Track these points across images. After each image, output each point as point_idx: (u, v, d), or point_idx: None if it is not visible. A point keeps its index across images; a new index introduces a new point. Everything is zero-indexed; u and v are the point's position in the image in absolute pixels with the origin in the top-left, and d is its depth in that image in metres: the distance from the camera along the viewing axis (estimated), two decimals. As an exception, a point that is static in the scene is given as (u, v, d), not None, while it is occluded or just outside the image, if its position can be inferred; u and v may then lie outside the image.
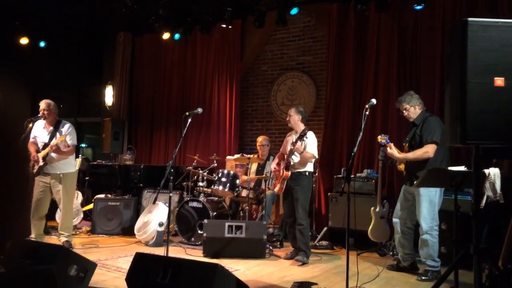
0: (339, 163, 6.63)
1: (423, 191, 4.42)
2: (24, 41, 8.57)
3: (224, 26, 7.32)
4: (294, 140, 5.11)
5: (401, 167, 4.70)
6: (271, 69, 7.97)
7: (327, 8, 6.95)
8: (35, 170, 5.18)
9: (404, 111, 4.62)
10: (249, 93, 8.18)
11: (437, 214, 4.50)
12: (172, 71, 8.68)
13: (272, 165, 5.45)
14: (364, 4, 6.32)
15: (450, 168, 3.69)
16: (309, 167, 5.20)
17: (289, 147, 5.21)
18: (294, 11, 6.84)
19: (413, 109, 4.58)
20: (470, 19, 2.52)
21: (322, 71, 7.38)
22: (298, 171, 5.13)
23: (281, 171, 5.16)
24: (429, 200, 4.43)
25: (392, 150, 4.53)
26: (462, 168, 3.41)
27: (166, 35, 8.09)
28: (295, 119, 5.25)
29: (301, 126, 5.22)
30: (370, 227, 5.36)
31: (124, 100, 9.07)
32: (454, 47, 2.66)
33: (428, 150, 4.36)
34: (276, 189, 5.29)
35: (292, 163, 5.12)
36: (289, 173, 5.08)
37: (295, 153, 5.07)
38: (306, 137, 5.00)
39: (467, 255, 2.83)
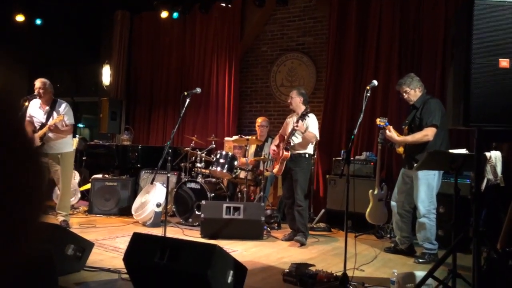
0: (338, 145, 6.60)
1: (422, 174, 4.39)
2: (20, 18, 8.44)
3: (223, 5, 7.20)
4: (295, 121, 5.07)
5: (400, 150, 4.67)
6: (271, 50, 7.88)
7: (329, -13, 6.83)
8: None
9: (404, 94, 4.56)
10: (248, 73, 8.10)
11: (435, 197, 4.49)
12: (170, 50, 8.58)
13: (272, 146, 5.41)
14: (366, -16, 6.21)
15: (450, 151, 3.66)
16: (309, 149, 5.18)
17: (289, 128, 5.17)
18: (295, -10, 6.72)
19: (413, 92, 4.53)
20: (476, -2, 2.46)
21: (322, 52, 7.30)
22: (298, 152, 5.11)
23: (281, 152, 5.13)
24: (427, 183, 4.42)
25: (391, 133, 4.49)
26: (463, 151, 3.38)
27: (164, 14, 7.98)
28: (297, 101, 5.21)
29: (302, 108, 5.18)
30: (368, 210, 5.36)
31: (121, 80, 8.98)
32: (459, 27, 2.60)
33: (428, 133, 4.32)
34: (275, 170, 5.26)
35: (292, 144, 5.09)
36: (289, 154, 5.06)
37: (296, 134, 5.03)
38: (308, 117, 4.97)
39: (466, 238, 2.83)
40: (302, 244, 5.00)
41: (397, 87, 4.66)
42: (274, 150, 5.30)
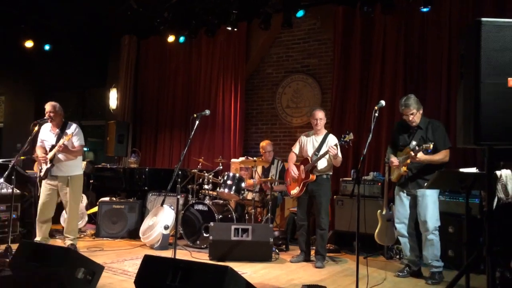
0: (344, 165, 6.55)
1: (430, 192, 4.42)
2: (29, 44, 8.57)
3: (229, 28, 7.31)
4: (318, 143, 5.15)
5: (404, 169, 4.59)
6: (276, 72, 7.96)
7: (333, 10, 6.95)
8: (42, 173, 5.16)
9: (411, 116, 4.50)
10: (253, 95, 8.17)
11: None
12: (177, 73, 8.68)
13: (292, 167, 5.30)
14: (370, 6, 6.31)
15: (461, 169, 3.66)
16: (331, 171, 5.20)
17: (309, 148, 5.17)
18: (300, 13, 6.83)
19: (418, 114, 4.52)
20: (483, 19, 2.50)
21: (327, 73, 7.37)
22: (321, 174, 5.10)
23: (303, 174, 5.11)
24: (434, 201, 4.47)
25: (419, 154, 4.37)
26: (473, 170, 3.38)
27: (171, 38, 8.10)
28: (324, 122, 5.24)
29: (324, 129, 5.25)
30: (377, 230, 5.32)
31: (128, 103, 9.06)
32: (467, 47, 2.64)
33: (447, 155, 4.40)
34: (295, 191, 5.22)
35: (318, 167, 5.07)
36: (315, 176, 5.05)
37: (326, 156, 5.00)
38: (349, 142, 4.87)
39: (480, 257, 2.80)
40: (321, 268, 4.98)
41: (404, 109, 4.53)
42: (294, 171, 5.24)
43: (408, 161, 4.50)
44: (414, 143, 4.51)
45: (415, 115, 4.52)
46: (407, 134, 4.63)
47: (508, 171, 3.83)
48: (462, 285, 3.17)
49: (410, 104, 4.49)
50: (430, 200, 4.43)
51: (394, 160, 4.61)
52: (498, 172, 3.83)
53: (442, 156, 4.39)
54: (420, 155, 4.32)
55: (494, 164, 2.66)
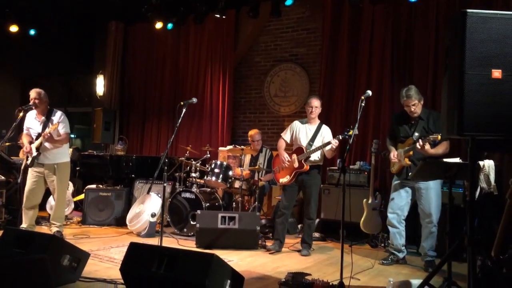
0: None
1: (433, 184, 4.48)
2: (13, 28, 8.42)
3: (217, 16, 7.26)
4: (312, 132, 5.12)
5: (406, 161, 4.53)
6: (264, 61, 7.93)
7: (322, -1, 6.93)
8: (28, 161, 5.11)
9: (413, 107, 4.48)
10: (242, 84, 8.14)
11: None
12: (164, 61, 8.61)
13: (284, 155, 5.17)
14: (359, -4, 6.31)
15: (444, 160, 3.71)
16: (322, 162, 5.21)
17: (302, 137, 5.14)
18: (289, 1, 6.80)
19: (420, 104, 4.51)
20: (469, 10, 2.52)
21: (315, 63, 7.36)
22: (313, 165, 5.09)
23: (296, 163, 5.05)
24: (437, 193, 4.53)
25: (427, 146, 4.34)
26: (457, 160, 3.43)
27: (159, 25, 8.02)
28: (319, 111, 5.19)
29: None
30: (363, 219, 5.38)
31: (115, 90, 8.98)
32: (452, 38, 2.66)
33: (448, 146, 4.44)
34: (284, 180, 5.15)
35: (311, 157, 5.04)
36: (308, 166, 5.04)
37: (322, 149, 4.97)
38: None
39: (461, 246, 2.86)
40: (307, 255, 5.03)
41: (405, 100, 4.50)
42: (288, 160, 5.12)
43: (411, 152, 4.49)
44: (416, 134, 4.50)
45: (416, 106, 4.50)
46: (408, 125, 4.64)
47: (491, 161, 3.89)
48: (445, 272, 3.24)
49: (412, 95, 4.47)
50: (434, 193, 4.50)
51: (393, 156, 4.64)
52: (481, 163, 3.89)
53: (445, 147, 4.42)
54: (428, 147, 4.29)
55: (477, 154, 2.70)
